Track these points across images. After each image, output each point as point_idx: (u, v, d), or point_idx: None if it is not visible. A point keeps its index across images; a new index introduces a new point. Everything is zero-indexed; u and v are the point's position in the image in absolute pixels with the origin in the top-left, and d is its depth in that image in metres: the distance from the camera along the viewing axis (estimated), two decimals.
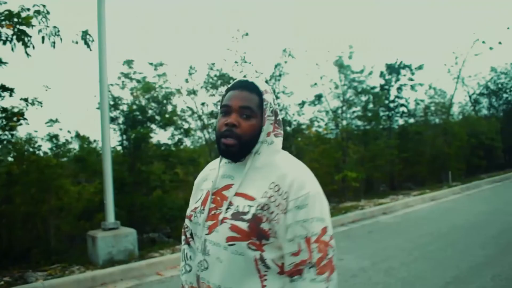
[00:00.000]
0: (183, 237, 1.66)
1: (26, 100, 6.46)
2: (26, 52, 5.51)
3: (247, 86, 1.40)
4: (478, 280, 4.93)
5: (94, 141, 8.31)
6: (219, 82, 9.44)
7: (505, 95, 22.87)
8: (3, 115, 6.67)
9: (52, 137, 7.30)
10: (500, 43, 21.36)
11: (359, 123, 13.61)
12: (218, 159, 1.53)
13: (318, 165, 11.25)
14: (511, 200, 11.43)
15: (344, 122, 12.97)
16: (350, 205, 10.74)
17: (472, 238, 7.04)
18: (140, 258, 6.42)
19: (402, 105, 15.60)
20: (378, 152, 13.14)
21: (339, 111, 12.90)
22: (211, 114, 9.56)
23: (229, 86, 1.46)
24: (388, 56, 32.24)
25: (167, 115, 8.30)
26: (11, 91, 6.52)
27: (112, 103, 7.90)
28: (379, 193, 13.53)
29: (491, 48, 17.98)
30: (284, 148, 1.48)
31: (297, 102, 11.65)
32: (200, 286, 1.42)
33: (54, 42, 5.54)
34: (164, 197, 8.68)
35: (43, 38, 5.47)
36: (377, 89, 14.44)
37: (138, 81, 8.09)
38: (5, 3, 5.61)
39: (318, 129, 12.38)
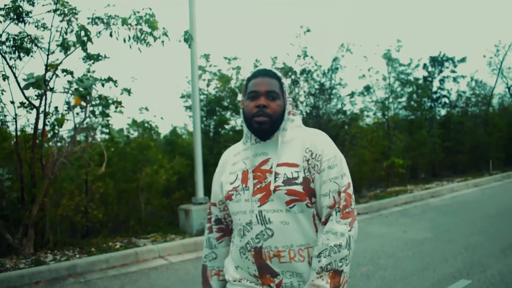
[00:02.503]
0: (207, 225, 1.83)
1: (128, 90, 7.41)
2: (139, 49, 6.52)
3: (268, 73, 1.60)
4: None
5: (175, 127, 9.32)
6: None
7: None
8: (104, 103, 7.67)
9: (146, 123, 8.30)
10: None
11: (405, 113, 14.26)
12: (237, 145, 1.74)
13: (368, 152, 11.96)
14: None
15: (391, 112, 13.64)
16: (398, 189, 11.50)
17: None
18: None
19: (444, 96, 16.04)
20: (422, 141, 13.77)
21: (386, 102, 13.56)
22: None
23: (250, 75, 1.64)
24: (432, 49, 32.40)
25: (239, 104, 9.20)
26: (114, 82, 7.53)
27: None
28: (423, 179, 14.19)
29: None
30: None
31: (347, 93, 12.35)
32: (263, 257, 1.51)
33: (163, 41, 6.49)
34: None
35: (154, 38, 6.43)
36: (421, 81, 15.00)
37: (214, 73, 9.02)
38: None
39: (366, 119, 13.07)
